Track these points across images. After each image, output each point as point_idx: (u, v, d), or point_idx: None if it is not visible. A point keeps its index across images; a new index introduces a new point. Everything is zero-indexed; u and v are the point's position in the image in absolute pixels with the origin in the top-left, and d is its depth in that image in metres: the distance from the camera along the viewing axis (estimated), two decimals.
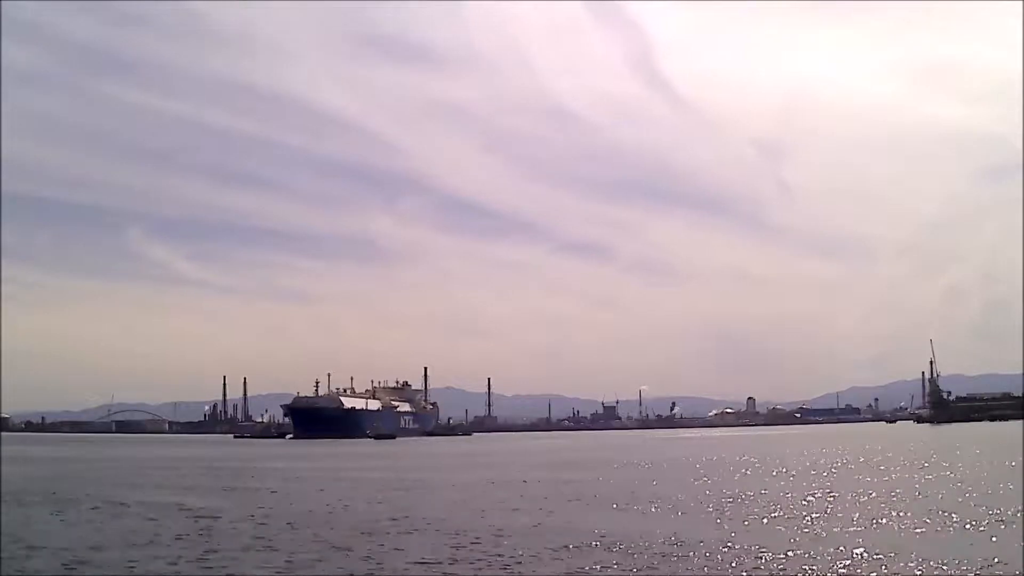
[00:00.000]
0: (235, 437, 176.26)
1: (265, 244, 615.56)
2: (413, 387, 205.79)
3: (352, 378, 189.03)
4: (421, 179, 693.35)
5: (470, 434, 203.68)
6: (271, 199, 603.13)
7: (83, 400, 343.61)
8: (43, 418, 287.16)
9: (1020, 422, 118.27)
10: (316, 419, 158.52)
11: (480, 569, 15.56)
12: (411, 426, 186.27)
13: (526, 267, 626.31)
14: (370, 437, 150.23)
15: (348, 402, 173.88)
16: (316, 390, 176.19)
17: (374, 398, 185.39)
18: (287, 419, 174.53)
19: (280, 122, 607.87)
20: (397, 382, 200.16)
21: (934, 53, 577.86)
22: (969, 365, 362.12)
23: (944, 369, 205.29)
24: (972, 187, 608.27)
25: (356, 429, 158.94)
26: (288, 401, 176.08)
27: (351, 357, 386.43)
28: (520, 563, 15.99)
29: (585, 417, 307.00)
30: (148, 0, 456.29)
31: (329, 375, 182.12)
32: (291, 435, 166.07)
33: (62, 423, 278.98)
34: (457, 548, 17.76)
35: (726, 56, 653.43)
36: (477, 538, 18.96)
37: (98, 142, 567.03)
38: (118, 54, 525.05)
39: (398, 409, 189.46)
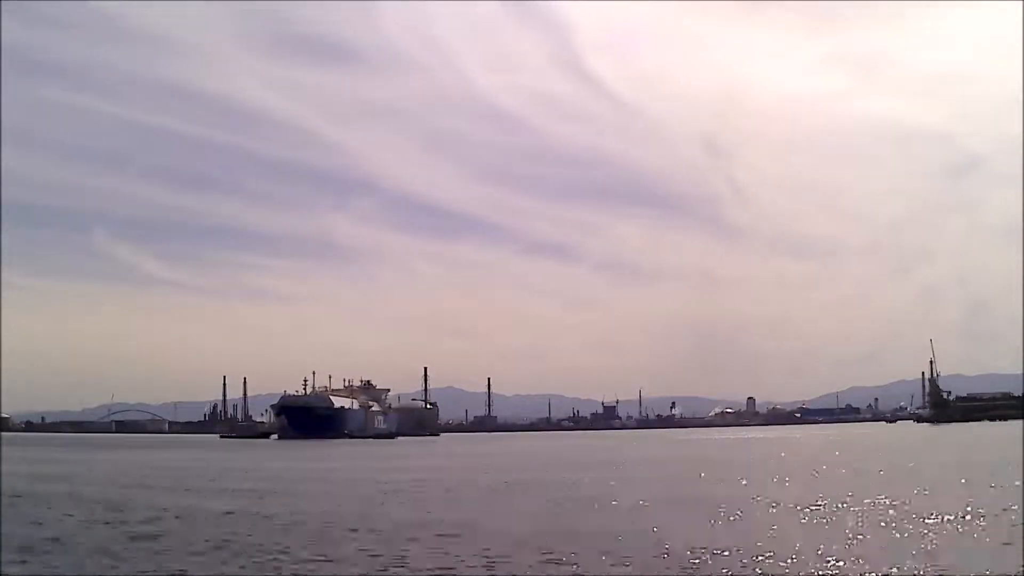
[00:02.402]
0: (221, 437, 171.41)
1: (230, 244, 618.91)
2: (378, 387, 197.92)
3: (330, 376, 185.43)
4: (369, 180, 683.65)
5: (437, 435, 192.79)
6: (226, 200, 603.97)
7: (82, 400, 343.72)
8: (43, 418, 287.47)
9: (1020, 422, 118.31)
10: (307, 418, 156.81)
11: None
12: (380, 426, 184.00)
13: (494, 268, 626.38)
14: (349, 437, 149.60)
15: (336, 401, 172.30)
16: (304, 388, 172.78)
17: (350, 397, 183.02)
18: (282, 417, 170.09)
19: (215, 123, 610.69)
20: (361, 381, 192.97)
21: (866, 49, 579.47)
22: (969, 365, 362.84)
23: (943, 369, 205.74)
24: (931, 186, 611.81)
25: (343, 429, 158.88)
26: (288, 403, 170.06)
27: (331, 358, 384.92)
28: None
29: (585, 417, 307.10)
30: (59, 0, 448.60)
31: (314, 373, 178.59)
32: (275, 435, 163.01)
33: (62, 423, 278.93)
34: None
35: (653, 55, 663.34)
36: None
37: (43, 144, 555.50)
38: (41, 56, 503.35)
39: (372, 409, 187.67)
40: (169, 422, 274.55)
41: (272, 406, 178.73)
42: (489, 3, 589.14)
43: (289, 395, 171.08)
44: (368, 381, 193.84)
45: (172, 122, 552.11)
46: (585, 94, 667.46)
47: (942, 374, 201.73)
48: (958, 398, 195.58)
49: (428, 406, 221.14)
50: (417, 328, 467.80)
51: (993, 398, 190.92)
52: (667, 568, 15.63)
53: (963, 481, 32.56)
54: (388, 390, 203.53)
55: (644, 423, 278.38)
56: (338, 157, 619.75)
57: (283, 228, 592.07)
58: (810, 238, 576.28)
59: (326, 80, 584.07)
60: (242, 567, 16.48)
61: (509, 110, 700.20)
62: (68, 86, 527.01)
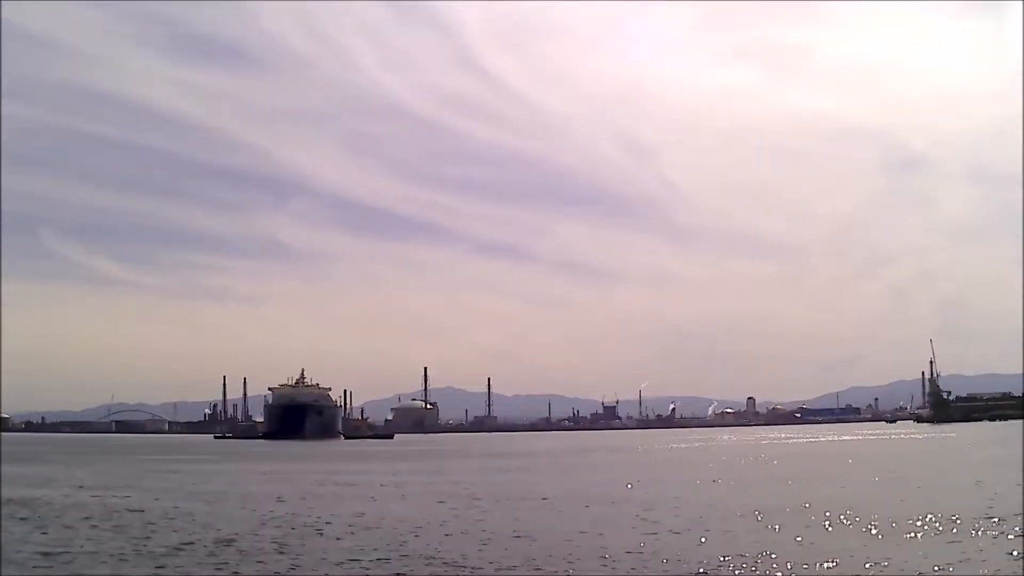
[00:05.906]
0: (215, 438, 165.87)
1: (182, 246, 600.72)
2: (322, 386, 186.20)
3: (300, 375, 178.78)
4: (301, 182, 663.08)
5: (391, 436, 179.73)
6: (167, 203, 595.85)
7: (82, 400, 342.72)
8: (43, 418, 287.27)
9: (1020, 422, 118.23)
10: (306, 415, 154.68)
11: None
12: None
13: (446, 267, 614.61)
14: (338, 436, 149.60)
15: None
16: (301, 383, 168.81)
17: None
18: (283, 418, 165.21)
19: (130, 126, 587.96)
20: (307, 380, 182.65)
21: (777, 43, 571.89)
22: (969, 365, 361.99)
23: (942, 369, 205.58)
24: (875, 184, 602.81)
25: (332, 427, 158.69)
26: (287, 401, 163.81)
27: (317, 358, 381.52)
28: None
29: (585, 417, 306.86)
30: None
31: (303, 370, 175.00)
32: (262, 434, 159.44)
33: (62, 423, 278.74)
34: None
35: (552, 53, 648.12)
36: None
37: None
38: None
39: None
40: (169, 422, 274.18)
41: (267, 406, 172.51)
42: (371, 3, 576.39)
43: (285, 393, 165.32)
44: (299, 379, 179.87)
45: (82, 124, 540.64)
46: (491, 94, 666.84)
47: (942, 374, 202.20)
48: (958, 398, 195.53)
49: (428, 406, 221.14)
50: (386, 327, 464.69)
51: (993, 398, 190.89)
52: None
53: None
54: (330, 389, 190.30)
55: (644, 423, 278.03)
56: (260, 158, 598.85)
57: (230, 230, 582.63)
58: (763, 238, 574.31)
59: (227, 82, 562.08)
60: None
61: (419, 111, 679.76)
62: None
